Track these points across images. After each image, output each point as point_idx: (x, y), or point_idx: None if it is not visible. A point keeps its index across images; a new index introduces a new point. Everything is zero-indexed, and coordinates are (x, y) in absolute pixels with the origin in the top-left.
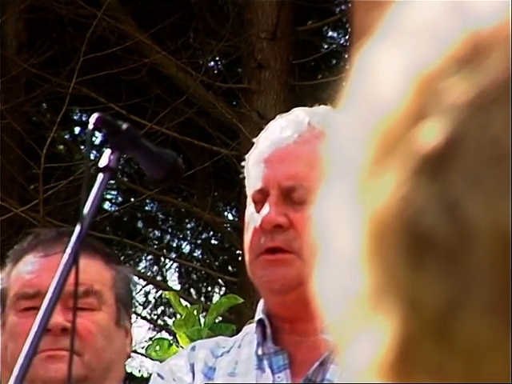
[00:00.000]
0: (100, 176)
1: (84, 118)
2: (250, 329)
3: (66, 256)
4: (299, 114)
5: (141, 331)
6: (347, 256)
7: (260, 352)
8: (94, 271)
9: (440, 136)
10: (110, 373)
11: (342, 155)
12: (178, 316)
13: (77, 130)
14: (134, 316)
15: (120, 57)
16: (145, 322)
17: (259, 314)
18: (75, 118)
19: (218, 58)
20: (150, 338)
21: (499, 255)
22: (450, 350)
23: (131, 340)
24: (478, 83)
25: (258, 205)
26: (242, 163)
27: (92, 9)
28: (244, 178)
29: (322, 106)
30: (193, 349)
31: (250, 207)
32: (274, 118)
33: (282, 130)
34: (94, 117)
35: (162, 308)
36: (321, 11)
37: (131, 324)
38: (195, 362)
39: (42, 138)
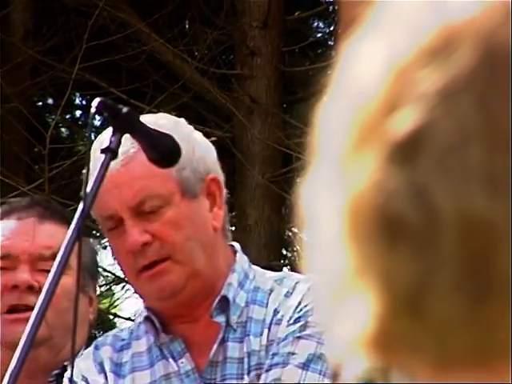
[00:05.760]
0: (102, 156)
1: (85, 103)
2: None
3: (69, 232)
4: None
5: None
6: (331, 236)
7: (158, 342)
8: (61, 237)
9: (410, 124)
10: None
11: (326, 142)
12: None
13: (78, 113)
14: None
15: (120, 44)
16: None
17: (144, 312)
18: (77, 102)
19: (212, 46)
20: None
21: (464, 237)
22: (422, 326)
23: (95, 309)
24: (447, 73)
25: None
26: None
27: None
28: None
29: None
30: (96, 348)
31: None
32: (265, 102)
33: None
34: (96, 101)
35: None
36: (309, 2)
37: (96, 294)
38: (103, 361)
39: (47, 121)
